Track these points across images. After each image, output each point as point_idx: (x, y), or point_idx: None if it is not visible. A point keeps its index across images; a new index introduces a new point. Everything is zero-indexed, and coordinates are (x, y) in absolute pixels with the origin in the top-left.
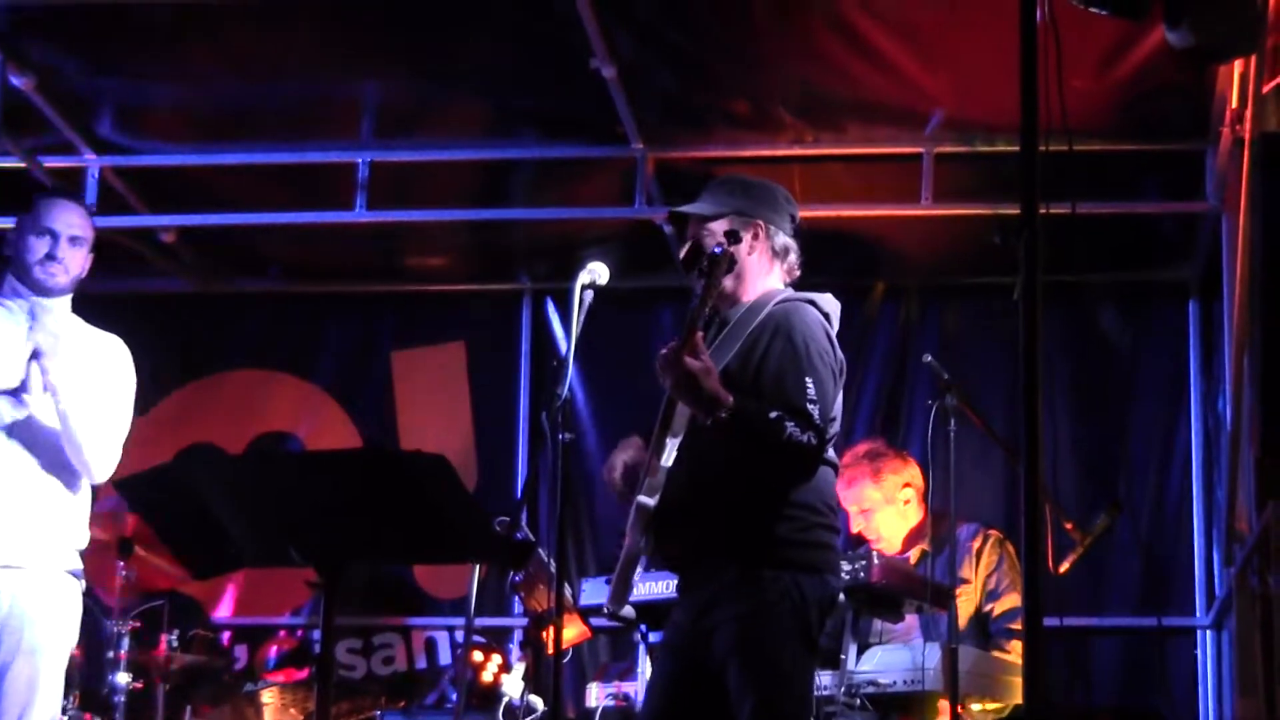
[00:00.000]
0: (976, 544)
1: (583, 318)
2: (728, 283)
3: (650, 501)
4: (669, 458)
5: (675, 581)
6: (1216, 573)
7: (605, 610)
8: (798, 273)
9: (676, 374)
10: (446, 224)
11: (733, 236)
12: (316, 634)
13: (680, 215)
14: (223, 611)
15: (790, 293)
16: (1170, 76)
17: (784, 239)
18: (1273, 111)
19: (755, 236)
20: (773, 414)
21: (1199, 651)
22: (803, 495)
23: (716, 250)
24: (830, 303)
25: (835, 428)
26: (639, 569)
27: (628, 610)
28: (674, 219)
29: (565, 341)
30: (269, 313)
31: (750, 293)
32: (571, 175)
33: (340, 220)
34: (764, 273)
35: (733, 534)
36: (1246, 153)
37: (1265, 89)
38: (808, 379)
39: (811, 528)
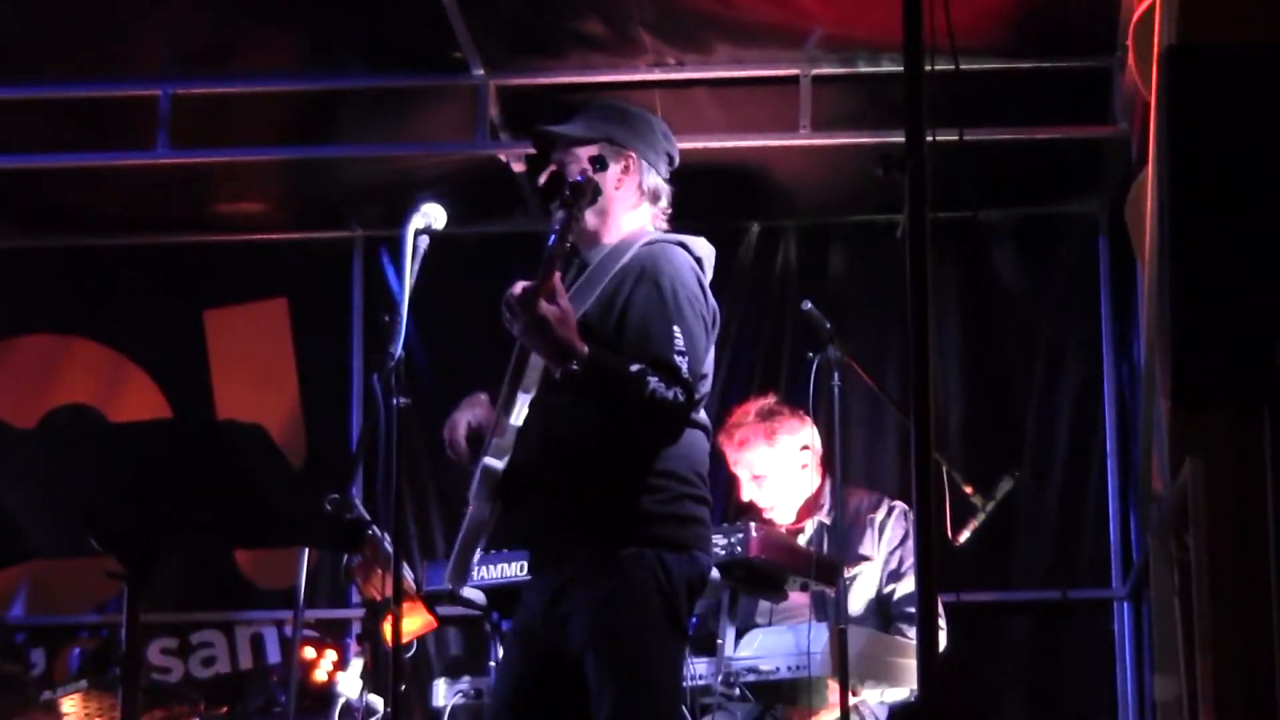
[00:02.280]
0: (879, 516)
1: (417, 267)
2: (590, 220)
3: (498, 464)
4: (519, 416)
5: (527, 561)
6: (1133, 538)
7: (447, 588)
8: (665, 224)
9: (526, 319)
10: (262, 164)
11: (598, 163)
12: (124, 633)
13: (545, 139)
14: (14, 610)
15: (659, 234)
16: None
17: (656, 179)
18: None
19: (625, 170)
20: (634, 367)
21: (1115, 625)
22: (669, 463)
23: (579, 178)
24: (703, 247)
25: (706, 386)
26: (483, 542)
27: (478, 595)
28: (538, 143)
29: (399, 295)
30: (61, 270)
31: (613, 233)
32: (404, 107)
33: (140, 161)
34: (629, 211)
35: (590, 505)
36: (1155, 68)
37: None
38: (675, 328)
39: (679, 499)
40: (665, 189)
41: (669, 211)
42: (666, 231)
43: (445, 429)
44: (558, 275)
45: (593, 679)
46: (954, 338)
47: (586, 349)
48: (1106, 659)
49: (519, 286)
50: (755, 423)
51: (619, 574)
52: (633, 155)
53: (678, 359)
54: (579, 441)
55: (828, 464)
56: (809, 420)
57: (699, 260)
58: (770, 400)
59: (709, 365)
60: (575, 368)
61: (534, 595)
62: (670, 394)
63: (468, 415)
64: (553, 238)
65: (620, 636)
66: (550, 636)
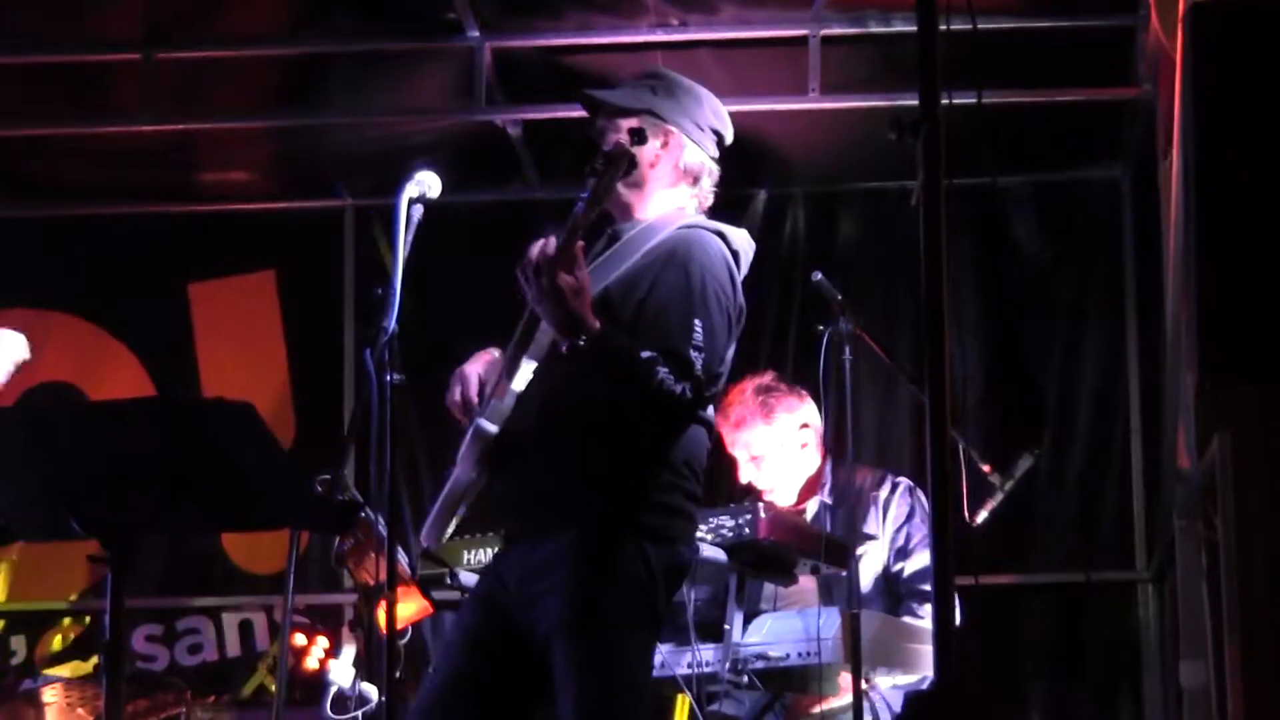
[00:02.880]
0: (883, 494)
1: (411, 237)
2: (623, 193)
3: (491, 428)
4: (521, 381)
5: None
6: (1159, 518)
7: (423, 546)
8: (710, 203)
9: (542, 285)
10: (249, 131)
11: (637, 135)
12: (107, 620)
13: (589, 104)
14: None
15: (699, 219)
16: None
17: (698, 158)
18: None
19: (664, 145)
20: (645, 354)
21: (1139, 609)
22: (666, 451)
23: (612, 148)
24: (742, 240)
25: (720, 385)
26: (465, 505)
27: (473, 579)
28: (584, 107)
29: (392, 266)
30: (39, 242)
31: (648, 209)
32: (396, 71)
33: (120, 129)
34: (666, 189)
35: (582, 484)
36: (1180, 27)
37: None
38: (696, 321)
39: (671, 490)
40: (710, 169)
41: (713, 193)
42: (709, 215)
43: (454, 379)
44: (580, 245)
45: (560, 662)
46: (971, 309)
47: (597, 325)
48: (1131, 644)
49: (537, 249)
50: (751, 401)
51: (601, 559)
52: (674, 131)
53: (693, 353)
54: (580, 417)
55: (839, 441)
56: (807, 397)
57: (735, 254)
58: (767, 377)
59: (726, 362)
60: (582, 343)
61: (508, 566)
62: (679, 388)
63: (479, 369)
64: (580, 205)
65: (594, 622)
66: (518, 612)
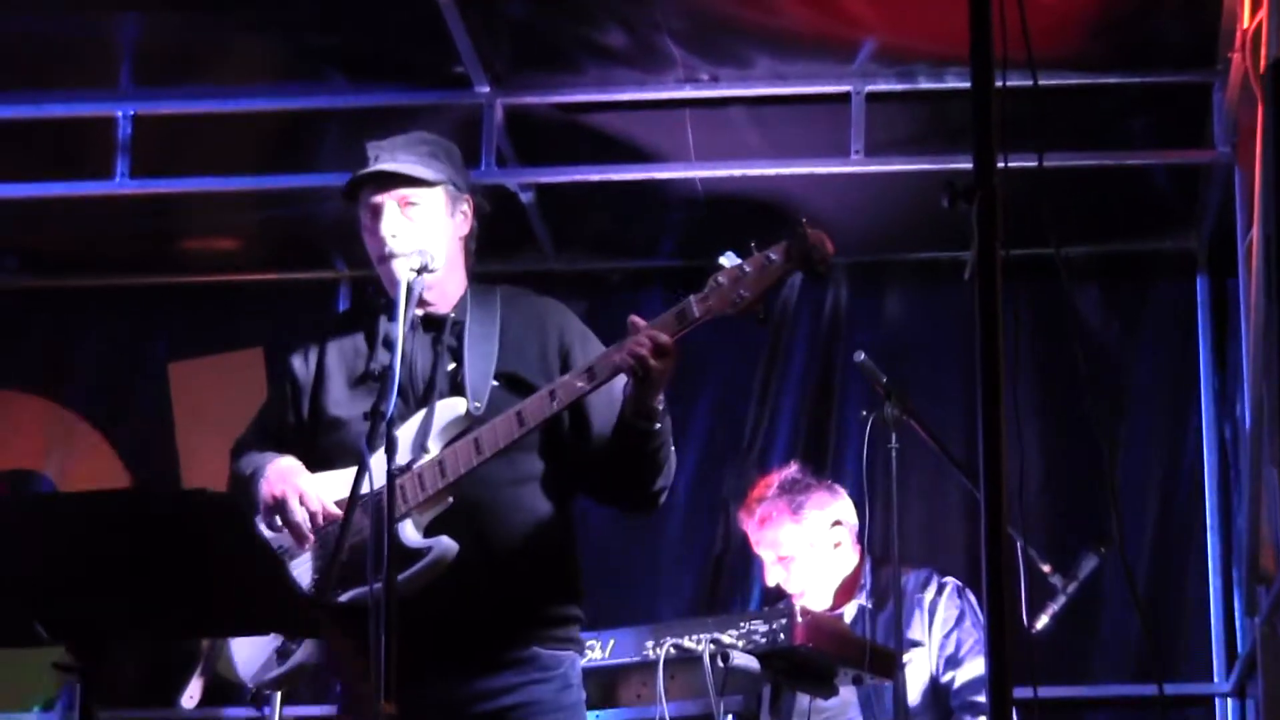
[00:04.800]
0: (929, 595)
1: (412, 313)
2: (440, 273)
3: (454, 548)
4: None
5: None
6: (1238, 624)
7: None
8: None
9: (670, 363)
10: (235, 195)
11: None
12: None
13: (386, 179)
14: None
15: (509, 285)
16: None
17: (474, 223)
18: None
19: (465, 215)
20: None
21: None
22: (577, 553)
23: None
24: None
25: None
26: None
27: None
28: (360, 182)
29: (390, 345)
30: (5, 315)
31: (459, 285)
32: (396, 130)
33: (96, 192)
34: (463, 260)
35: (538, 605)
36: (1258, 86)
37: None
38: None
39: (579, 595)
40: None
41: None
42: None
43: (288, 495)
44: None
45: None
46: (1030, 393)
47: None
48: None
49: (649, 332)
50: (778, 497)
51: (552, 681)
52: (469, 200)
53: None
54: (530, 533)
55: (885, 538)
56: (841, 492)
57: None
58: (793, 470)
59: None
60: (658, 422)
61: (421, 697)
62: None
63: (314, 488)
64: (746, 291)
65: None
66: None
